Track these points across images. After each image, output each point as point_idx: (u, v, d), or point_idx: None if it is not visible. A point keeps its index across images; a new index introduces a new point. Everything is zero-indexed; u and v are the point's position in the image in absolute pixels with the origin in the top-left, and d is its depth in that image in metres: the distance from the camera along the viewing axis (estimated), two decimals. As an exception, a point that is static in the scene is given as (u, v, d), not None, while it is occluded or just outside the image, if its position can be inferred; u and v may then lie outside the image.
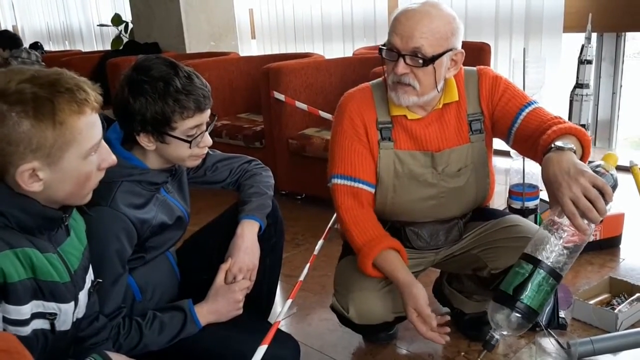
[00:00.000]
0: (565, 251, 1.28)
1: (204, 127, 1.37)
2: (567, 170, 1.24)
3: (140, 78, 1.30)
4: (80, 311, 1.17)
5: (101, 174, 1.12)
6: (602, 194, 1.22)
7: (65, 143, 1.00)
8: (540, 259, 1.27)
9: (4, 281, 0.98)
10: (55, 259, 1.08)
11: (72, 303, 1.12)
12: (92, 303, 1.23)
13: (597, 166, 1.30)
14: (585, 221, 1.23)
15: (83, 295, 1.17)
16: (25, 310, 1.03)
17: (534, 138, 1.49)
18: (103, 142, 1.09)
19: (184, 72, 1.32)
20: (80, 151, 1.03)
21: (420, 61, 1.48)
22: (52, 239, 1.09)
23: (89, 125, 1.03)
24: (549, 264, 1.27)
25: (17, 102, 0.96)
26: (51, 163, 1.00)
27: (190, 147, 1.35)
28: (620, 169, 3.67)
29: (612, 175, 1.29)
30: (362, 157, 1.62)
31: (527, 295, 1.27)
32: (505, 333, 1.31)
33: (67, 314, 1.12)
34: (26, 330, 1.04)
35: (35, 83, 0.98)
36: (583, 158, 1.43)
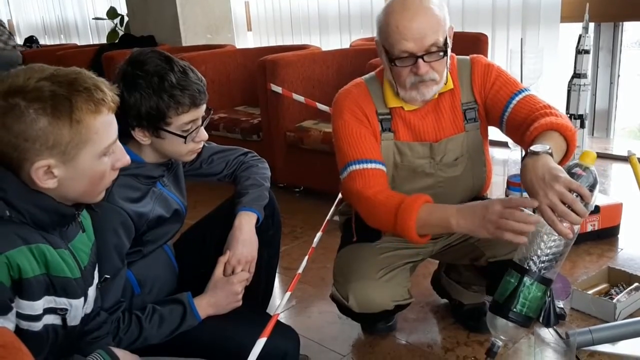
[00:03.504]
0: (551, 256, 1.29)
1: (200, 122, 1.37)
2: (542, 177, 1.25)
3: (134, 72, 1.29)
4: (89, 307, 1.18)
5: (115, 173, 1.13)
6: (580, 195, 1.22)
7: (81, 141, 1.01)
8: (527, 267, 1.28)
9: (19, 277, 0.99)
10: (67, 254, 1.09)
11: (82, 298, 1.13)
12: (95, 298, 1.23)
13: (574, 166, 1.29)
14: (567, 224, 1.24)
15: (92, 291, 1.18)
16: (38, 306, 1.03)
17: (523, 128, 1.49)
18: (118, 142, 1.10)
19: (179, 67, 1.31)
20: (95, 150, 1.04)
21: (441, 53, 1.48)
22: (63, 235, 1.10)
23: (105, 125, 1.04)
24: (536, 270, 1.28)
25: (35, 100, 0.97)
26: (66, 161, 1.01)
27: (185, 142, 1.35)
28: (618, 158, 3.69)
29: (591, 173, 1.27)
30: (370, 141, 1.60)
31: (519, 303, 1.28)
32: (504, 339, 1.33)
33: (78, 309, 1.12)
34: (38, 326, 1.05)
35: (54, 81, 0.99)
36: (568, 153, 1.43)
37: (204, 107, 1.36)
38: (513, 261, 1.32)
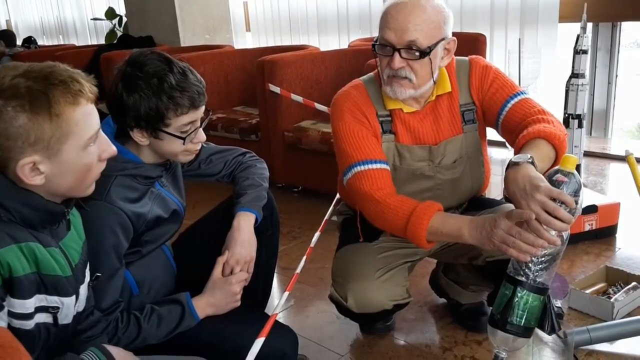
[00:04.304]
0: (544, 264, 1.28)
1: (198, 123, 1.37)
2: (524, 188, 1.25)
3: (134, 73, 1.29)
4: (81, 305, 1.18)
5: (102, 164, 1.13)
6: (563, 202, 1.22)
7: (63, 135, 1.01)
8: (519, 279, 1.28)
9: (9, 275, 0.99)
10: (57, 253, 1.09)
11: (74, 297, 1.13)
12: (88, 297, 1.23)
13: (556, 173, 1.28)
14: (554, 232, 1.24)
15: (83, 289, 1.18)
16: (29, 304, 1.03)
17: (517, 132, 1.49)
18: (102, 132, 1.10)
19: (178, 68, 1.31)
20: (78, 142, 1.04)
21: (417, 53, 1.47)
22: (54, 233, 1.10)
23: (85, 116, 1.04)
24: (529, 281, 1.28)
25: (12, 97, 0.97)
26: (51, 155, 1.01)
27: (184, 144, 1.35)
28: (616, 158, 3.68)
29: (573, 177, 1.26)
30: (372, 141, 1.59)
31: (516, 315, 1.28)
32: (507, 350, 1.33)
33: (69, 307, 1.12)
34: (30, 324, 1.05)
35: (29, 77, 0.98)
36: (557, 160, 1.43)
37: (203, 108, 1.36)
38: (507, 273, 1.32)
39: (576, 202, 1.24)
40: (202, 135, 1.39)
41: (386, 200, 1.53)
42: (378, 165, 1.57)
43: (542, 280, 1.29)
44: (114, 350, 1.17)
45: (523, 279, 1.28)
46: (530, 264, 1.28)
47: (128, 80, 1.29)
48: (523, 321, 1.29)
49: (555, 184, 1.25)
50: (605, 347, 1.74)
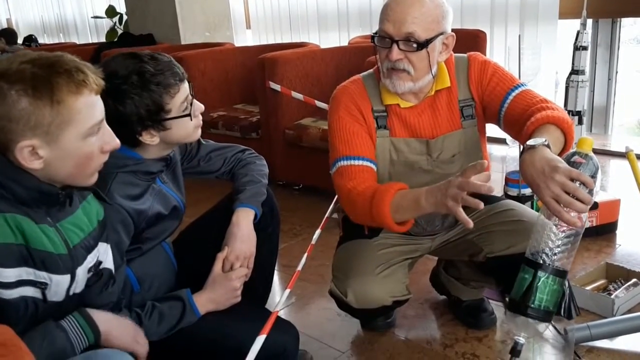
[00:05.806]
0: (563, 247, 1.28)
1: (190, 97, 1.38)
2: (542, 170, 1.25)
3: (113, 83, 1.28)
4: (78, 287, 1.18)
5: (104, 156, 1.14)
6: (582, 182, 1.22)
7: (63, 122, 1.03)
8: (539, 261, 1.28)
9: None
10: (50, 231, 1.10)
11: (68, 276, 1.13)
12: (108, 293, 1.25)
13: (573, 155, 1.28)
14: (574, 213, 1.23)
15: (82, 271, 1.17)
16: (8, 274, 1.03)
17: (520, 123, 1.50)
18: (106, 125, 1.12)
19: (147, 56, 1.33)
20: (79, 131, 1.06)
21: (415, 45, 1.49)
22: (52, 213, 1.12)
23: (87, 106, 1.06)
24: (549, 264, 1.27)
25: (17, 81, 1.00)
26: (50, 141, 1.03)
27: (191, 119, 1.36)
28: (616, 155, 3.67)
29: (590, 159, 1.26)
30: (362, 138, 1.61)
31: (537, 298, 1.28)
32: (527, 336, 1.33)
33: (59, 285, 1.12)
34: (10, 294, 1.05)
35: (35, 64, 1.02)
36: (566, 145, 1.44)
37: (186, 81, 1.38)
38: (526, 257, 1.31)
39: (594, 184, 1.24)
40: (199, 105, 1.41)
41: (357, 188, 1.55)
42: (360, 162, 1.59)
43: (561, 264, 1.28)
44: (98, 314, 1.17)
45: (543, 262, 1.28)
46: (546, 249, 1.27)
47: (113, 93, 1.28)
48: (544, 305, 1.28)
49: (573, 165, 1.25)
50: (605, 344, 1.75)
